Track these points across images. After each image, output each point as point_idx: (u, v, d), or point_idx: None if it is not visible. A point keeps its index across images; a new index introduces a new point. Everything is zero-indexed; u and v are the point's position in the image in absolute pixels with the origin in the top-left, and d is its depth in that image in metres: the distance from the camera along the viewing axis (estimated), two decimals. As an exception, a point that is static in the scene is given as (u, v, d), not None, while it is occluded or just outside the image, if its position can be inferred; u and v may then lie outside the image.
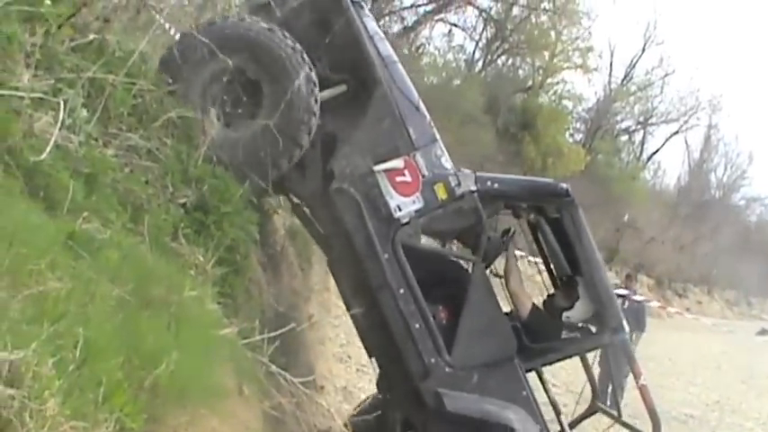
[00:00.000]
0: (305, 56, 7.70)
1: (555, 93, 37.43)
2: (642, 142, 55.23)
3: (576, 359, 9.52)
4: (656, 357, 25.58)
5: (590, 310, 8.79)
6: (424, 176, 8.14)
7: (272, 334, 6.85)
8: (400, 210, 8.06)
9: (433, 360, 8.10)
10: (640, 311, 17.96)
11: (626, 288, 18.51)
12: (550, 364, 9.14)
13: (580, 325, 9.08)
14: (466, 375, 8.16)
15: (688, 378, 25.32)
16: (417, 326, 8.08)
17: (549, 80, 36.48)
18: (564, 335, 9.12)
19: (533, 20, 34.12)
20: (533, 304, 8.99)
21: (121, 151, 6.20)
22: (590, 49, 35.33)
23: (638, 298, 19.20)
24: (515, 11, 33.83)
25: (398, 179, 8.07)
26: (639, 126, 52.74)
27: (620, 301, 17.20)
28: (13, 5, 5.39)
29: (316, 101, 7.71)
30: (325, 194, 8.07)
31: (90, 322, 3.91)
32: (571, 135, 41.39)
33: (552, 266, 9.51)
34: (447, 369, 8.13)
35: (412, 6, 31.33)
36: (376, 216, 8.01)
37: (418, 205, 8.12)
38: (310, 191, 8.20)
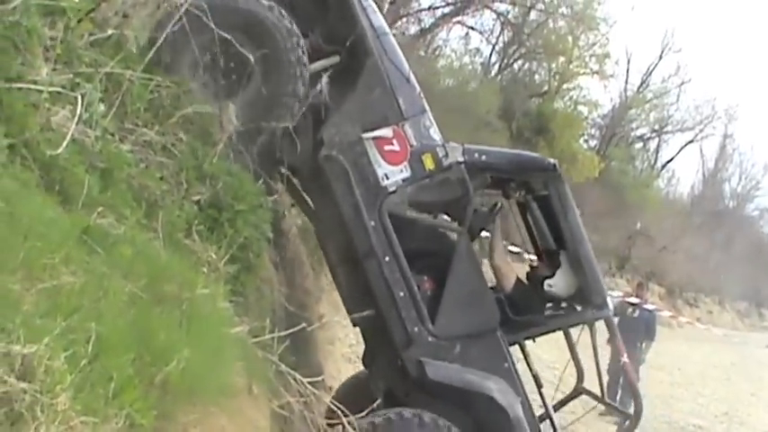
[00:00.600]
0: (295, 27, 7.71)
1: (570, 98, 37.35)
2: (657, 150, 55.11)
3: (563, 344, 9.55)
4: (666, 367, 25.56)
5: (574, 285, 8.86)
6: (412, 146, 8.24)
7: (283, 333, 6.88)
8: (388, 178, 8.17)
9: (416, 329, 8.19)
10: (651, 320, 17.96)
11: (637, 297, 18.49)
12: (534, 338, 9.20)
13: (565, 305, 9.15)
14: (448, 345, 8.26)
15: (697, 389, 25.26)
16: (402, 294, 8.16)
17: (564, 85, 36.38)
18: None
19: (551, 24, 34.04)
20: (517, 278, 9.10)
21: (137, 147, 6.20)
22: (607, 55, 35.21)
23: (649, 307, 19.18)
24: (533, 15, 33.77)
25: (387, 148, 8.18)
26: (654, 134, 52.63)
27: (630, 309, 17.24)
28: (34, -1, 5.40)
29: (306, 70, 7.74)
30: (314, 163, 8.15)
31: (102, 317, 3.92)
32: (585, 141, 41.32)
33: (539, 244, 9.61)
34: (430, 338, 8.21)
35: (429, 8, 31.33)
36: (363, 184, 8.11)
37: (405, 174, 8.21)
38: (301, 160, 8.22)
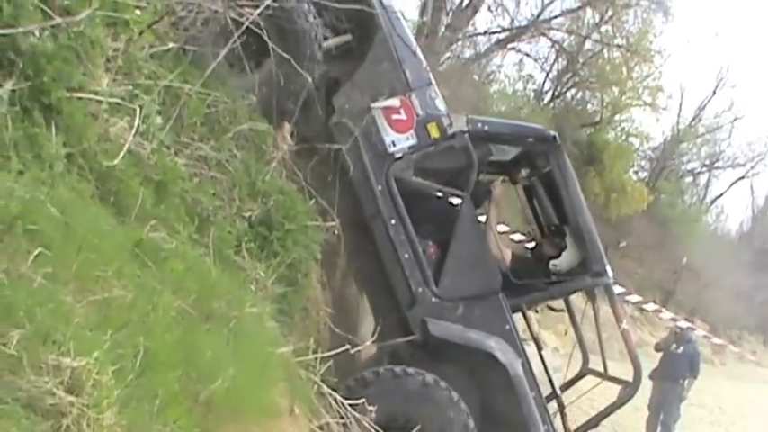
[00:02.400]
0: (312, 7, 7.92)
1: (622, 129, 37.05)
2: (707, 185, 54.47)
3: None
4: (707, 405, 25.20)
5: (577, 257, 9.11)
6: (418, 115, 8.64)
7: (326, 354, 6.85)
8: (395, 145, 8.56)
9: (420, 289, 8.51)
10: (695, 356, 17.64)
11: (684, 332, 18.18)
12: (536, 307, 9.38)
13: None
14: (451, 306, 8.56)
15: (738, 429, 24.86)
16: (406, 255, 8.50)
17: (616, 116, 36.12)
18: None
19: (605, 55, 33.82)
20: (512, 253, 9.44)
21: (192, 161, 6.23)
22: (660, 88, 34.91)
23: (698, 332, 18.90)
24: (588, 45, 33.59)
25: (394, 117, 8.57)
26: (705, 169, 52.05)
27: (674, 345, 17.01)
28: (99, 10, 5.42)
29: (320, 47, 7.98)
30: (326, 131, 8.46)
31: (151, 332, 3.92)
32: (635, 173, 40.97)
33: (543, 222, 9.96)
34: (433, 299, 8.53)
35: (485, 33, 31.31)
36: (372, 150, 8.47)
37: (412, 142, 8.61)
38: (314, 131, 8.45)
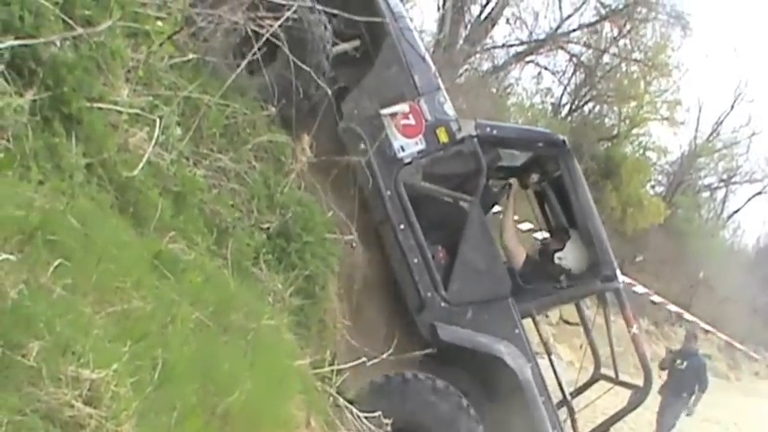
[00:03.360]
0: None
1: (639, 144, 36.96)
2: (724, 200, 54.31)
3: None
4: (722, 422, 25.04)
5: (585, 261, 9.08)
6: (427, 120, 8.63)
7: (342, 366, 6.84)
8: (403, 150, 8.56)
9: (429, 294, 8.51)
10: (701, 369, 17.35)
11: (687, 347, 17.78)
12: (546, 311, 9.36)
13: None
14: (461, 311, 8.55)
15: (753, 446, 24.71)
16: (416, 260, 8.50)
17: (634, 130, 36.04)
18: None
19: (623, 69, 33.76)
20: (527, 255, 9.42)
21: (210, 172, 6.23)
22: (678, 102, 34.87)
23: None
24: (606, 58, 33.54)
25: (403, 122, 8.55)
26: (722, 184, 51.89)
27: (678, 361, 16.77)
28: (120, 21, 5.42)
29: (328, 58, 7.95)
30: (335, 136, 8.42)
31: (169, 344, 3.91)
32: (652, 187, 40.84)
33: (553, 224, 9.91)
34: (443, 304, 8.53)
35: (503, 46, 31.30)
36: (380, 155, 8.43)
37: (421, 147, 8.61)
38: (324, 137, 8.32)
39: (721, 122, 47.67)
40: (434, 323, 8.42)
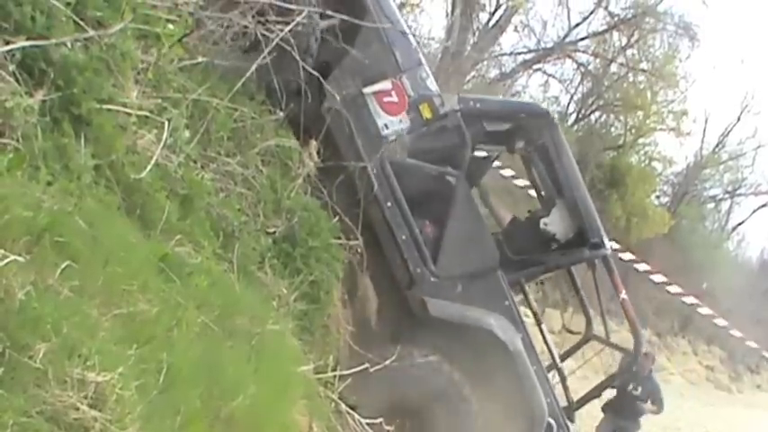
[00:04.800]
0: None
1: (645, 153, 36.87)
2: (728, 212, 54.08)
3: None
4: (723, 435, 25.02)
5: (572, 228, 9.11)
6: (409, 97, 8.61)
7: (345, 372, 6.85)
8: (387, 128, 8.55)
9: (418, 270, 8.52)
10: (656, 391, 15.87)
11: (642, 368, 16.18)
12: (535, 279, 9.41)
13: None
14: (450, 285, 8.58)
15: (756, 458, 24.69)
16: (403, 237, 8.51)
17: (640, 140, 35.97)
18: None
19: (630, 78, 33.71)
20: (513, 216, 9.69)
21: (218, 175, 6.24)
22: (685, 112, 34.73)
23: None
24: (613, 68, 33.50)
25: (386, 99, 8.55)
26: (727, 195, 51.70)
27: (630, 386, 15.74)
28: (131, 23, 5.43)
29: (316, 40, 7.98)
30: (319, 116, 8.33)
31: (175, 348, 3.92)
32: (657, 197, 40.70)
33: (541, 191, 9.89)
34: (432, 279, 8.54)
35: (511, 53, 31.28)
36: (364, 134, 8.41)
37: (405, 124, 8.62)
38: (308, 116, 8.24)
39: (727, 134, 47.54)
40: (424, 298, 8.44)
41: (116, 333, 3.60)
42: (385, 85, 8.53)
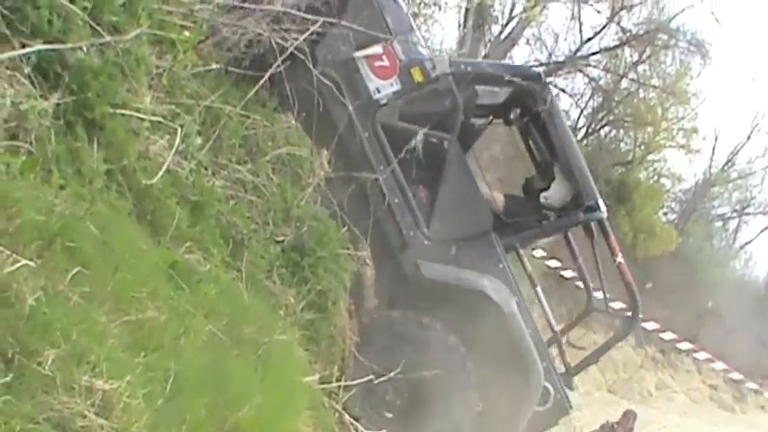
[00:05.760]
0: None
1: (654, 170, 36.79)
2: (736, 230, 53.86)
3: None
4: (726, 454, 24.95)
5: (569, 194, 9.05)
6: (401, 61, 8.56)
7: (349, 383, 6.83)
8: (379, 92, 8.52)
9: (411, 233, 8.51)
10: None
11: (621, 427, 15.55)
12: (531, 244, 9.34)
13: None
14: (444, 248, 8.55)
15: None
16: (396, 200, 8.49)
17: (649, 156, 35.88)
18: None
19: (641, 94, 33.63)
20: (505, 195, 9.52)
21: (229, 182, 6.23)
22: (695, 130, 34.59)
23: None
24: (624, 83, 33.40)
25: (377, 64, 8.52)
26: (735, 214, 51.56)
27: None
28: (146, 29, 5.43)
29: None
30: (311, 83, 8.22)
31: (182, 356, 3.92)
32: (665, 214, 40.62)
33: (537, 159, 9.83)
34: (425, 242, 8.52)
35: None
36: (356, 98, 8.37)
37: (396, 87, 8.56)
38: (301, 84, 8.19)
39: (737, 152, 47.33)
40: (418, 261, 8.41)
41: (124, 340, 3.60)
42: (376, 49, 8.50)
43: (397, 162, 8.43)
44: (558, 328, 9.71)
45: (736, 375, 27.86)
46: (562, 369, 9.48)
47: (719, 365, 26.31)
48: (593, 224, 9.34)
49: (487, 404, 8.48)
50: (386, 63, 8.53)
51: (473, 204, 8.82)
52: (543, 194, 9.13)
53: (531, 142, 9.77)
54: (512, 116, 9.57)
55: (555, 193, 9.10)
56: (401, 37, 8.63)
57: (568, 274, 14.42)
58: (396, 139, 8.50)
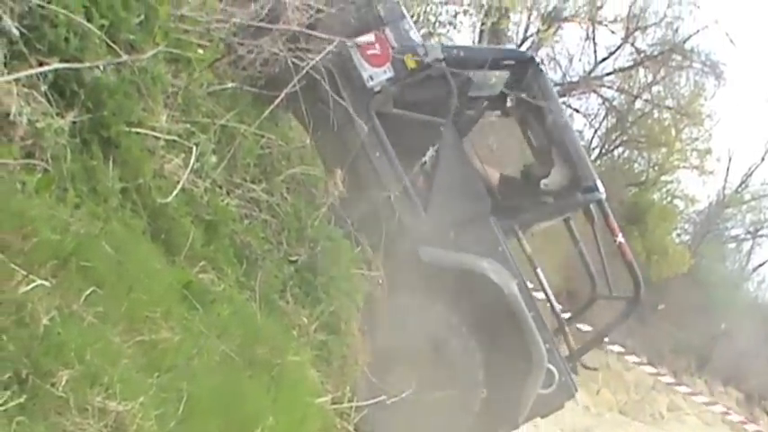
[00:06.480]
0: None
1: (668, 191, 36.73)
2: (750, 253, 53.75)
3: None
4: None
5: (566, 176, 8.94)
6: (393, 48, 8.55)
7: (361, 404, 6.80)
8: (372, 80, 8.47)
9: (409, 219, 8.37)
10: None
11: None
12: (529, 227, 9.31)
13: None
14: (442, 232, 8.46)
15: None
16: (392, 187, 8.35)
17: (663, 177, 35.81)
18: None
19: (655, 115, 33.60)
20: (501, 174, 9.46)
21: (243, 202, 6.22)
22: (709, 151, 34.48)
23: None
24: (638, 104, 33.38)
25: (370, 52, 8.49)
26: (749, 236, 51.42)
27: None
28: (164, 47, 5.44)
29: None
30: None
31: (195, 377, 3.90)
32: (678, 235, 40.51)
33: (534, 145, 9.67)
34: (423, 226, 8.41)
35: (536, 87, 31.24)
36: (350, 86, 8.33)
37: (389, 75, 8.52)
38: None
39: (751, 174, 47.20)
40: (416, 246, 8.34)
41: (138, 361, 3.59)
42: (368, 37, 8.51)
43: (393, 149, 8.45)
44: (560, 310, 9.65)
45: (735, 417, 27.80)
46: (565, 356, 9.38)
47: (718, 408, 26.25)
48: (592, 206, 9.20)
49: (491, 388, 8.45)
50: (378, 51, 8.55)
51: (470, 188, 8.78)
52: (543, 182, 9.04)
53: (528, 131, 9.65)
54: (508, 104, 9.35)
55: (554, 180, 9.01)
56: (393, 24, 8.65)
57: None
58: (391, 126, 8.53)
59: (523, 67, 8.97)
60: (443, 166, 8.65)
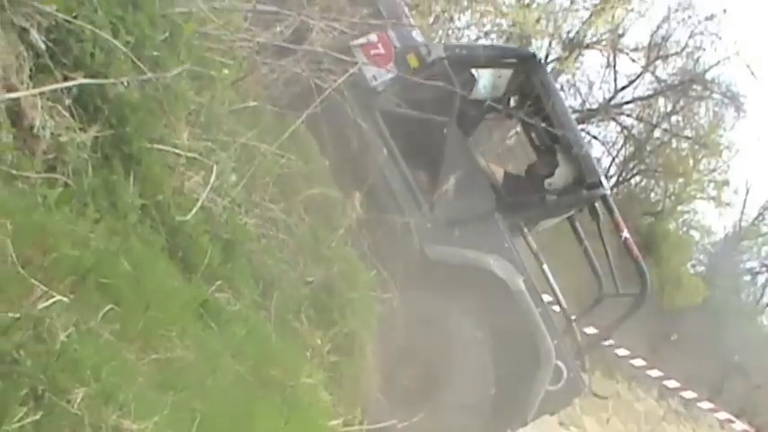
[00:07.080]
0: None
1: (684, 221, 36.65)
2: (764, 286, 53.53)
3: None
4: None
5: (570, 173, 8.99)
6: (396, 48, 8.70)
7: (372, 427, 6.79)
8: (376, 79, 8.61)
9: (414, 217, 8.48)
10: None
11: None
12: (535, 223, 9.38)
13: None
14: (447, 229, 8.59)
15: None
16: (399, 186, 8.54)
17: (679, 207, 35.74)
18: None
19: (674, 145, 33.53)
20: (505, 171, 9.55)
21: (261, 221, 6.22)
22: (726, 182, 34.37)
23: None
24: (657, 133, 33.33)
25: (373, 52, 8.60)
26: (764, 269, 51.21)
27: None
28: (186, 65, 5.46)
29: None
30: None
31: (209, 397, 3.89)
32: (693, 266, 40.38)
33: (537, 144, 9.73)
34: (429, 225, 8.55)
35: (556, 114, 31.22)
36: (354, 86, 8.29)
37: (392, 74, 8.63)
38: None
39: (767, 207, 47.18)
40: (422, 244, 8.44)
41: (153, 379, 3.59)
42: (371, 37, 8.61)
43: (397, 148, 8.57)
44: (561, 297, 9.65)
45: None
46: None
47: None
48: (596, 203, 9.25)
49: (499, 385, 8.51)
50: (381, 51, 8.65)
51: (475, 185, 8.84)
52: (548, 181, 9.10)
53: (531, 131, 9.78)
54: (511, 104, 9.55)
55: (558, 179, 9.07)
56: (396, 25, 8.79)
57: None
58: (396, 125, 8.62)
59: (525, 65, 9.04)
60: (448, 164, 8.70)
